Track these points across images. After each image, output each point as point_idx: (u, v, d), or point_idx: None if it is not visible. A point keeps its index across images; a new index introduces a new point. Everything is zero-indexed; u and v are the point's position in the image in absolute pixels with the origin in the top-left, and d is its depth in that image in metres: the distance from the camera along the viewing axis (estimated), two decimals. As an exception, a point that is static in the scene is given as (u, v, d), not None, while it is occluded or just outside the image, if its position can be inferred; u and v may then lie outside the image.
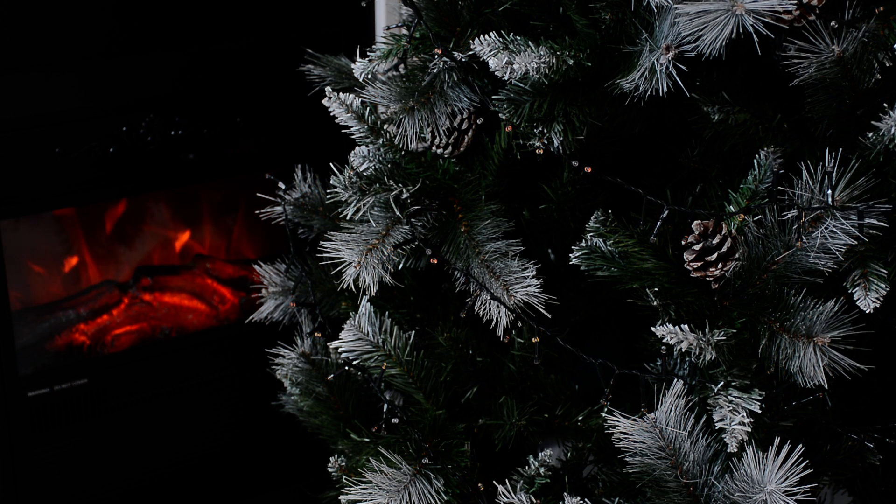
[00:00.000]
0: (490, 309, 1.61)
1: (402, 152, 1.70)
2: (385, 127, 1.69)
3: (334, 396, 1.89)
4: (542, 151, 1.58)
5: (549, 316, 1.60)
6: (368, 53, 1.68)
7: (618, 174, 1.59)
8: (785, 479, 1.47)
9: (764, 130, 1.59)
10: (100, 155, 2.12)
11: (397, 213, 1.64)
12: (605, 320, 1.86)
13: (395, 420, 1.73)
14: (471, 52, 1.58)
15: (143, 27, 2.11)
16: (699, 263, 1.54)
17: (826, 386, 1.53)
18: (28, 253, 2.24)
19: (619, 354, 1.80)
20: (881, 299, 1.51)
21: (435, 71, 1.64)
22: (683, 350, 1.51)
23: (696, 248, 1.53)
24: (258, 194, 2.02)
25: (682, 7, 1.40)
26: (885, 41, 1.54)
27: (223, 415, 2.40)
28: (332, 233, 1.65)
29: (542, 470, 1.69)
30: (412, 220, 1.65)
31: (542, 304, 1.59)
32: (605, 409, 1.58)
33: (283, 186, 1.96)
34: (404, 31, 1.67)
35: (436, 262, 1.64)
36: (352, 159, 1.68)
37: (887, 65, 1.55)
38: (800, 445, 1.48)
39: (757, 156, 1.57)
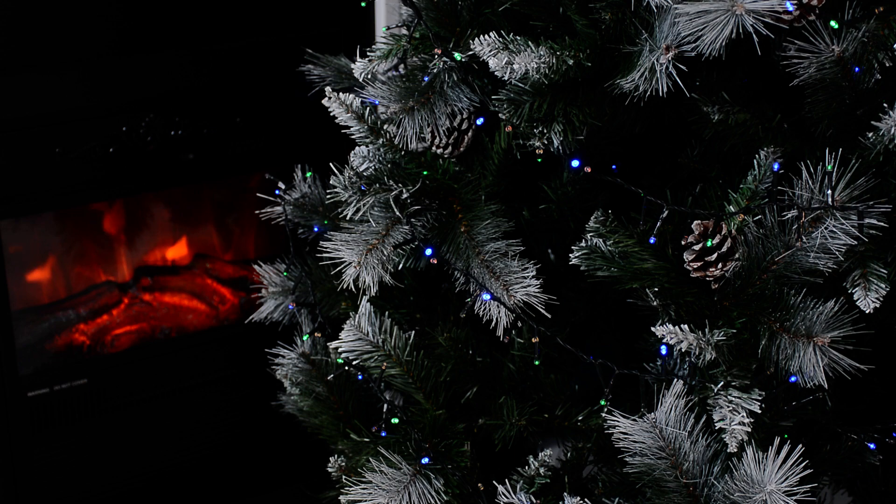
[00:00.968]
0: (490, 309, 1.61)
1: (402, 152, 1.70)
2: (385, 127, 1.69)
3: (334, 396, 1.89)
4: (542, 151, 1.58)
5: (549, 316, 1.60)
6: (368, 53, 1.68)
7: (618, 174, 1.59)
8: (785, 479, 1.47)
9: (764, 130, 1.59)
10: (100, 155, 2.12)
11: (397, 213, 1.64)
12: (604, 320, 1.86)
13: (394, 420, 1.73)
14: (471, 52, 1.58)
15: (143, 28, 2.11)
16: (699, 263, 1.54)
17: (826, 386, 1.53)
18: (28, 253, 2.24)
19: (619, 354, 1.80)
20: (881, 299, 1.51)
21: (435, 71, 1.64)
22: (683, 350, 1.51)
23: (696, 248, 1.53)
24: (258, 194, 2.02)
25: (682, 7, 1.40)
26: (885, 41, 1.54)
27: (223, 415, 2.40)
28: (332, 233, 1.65)
29: (541, 470, 1.69)
30: (412, 220, 1.65)
31: (542, 304, 1.59)
32: (605, 409, 1.58)
33: (283, 186, 1.96)
34: (404, 31, 1.67)
35: (436, 262, 1.64)
36: (352, 159, 1.68)
37: (887, 65, 1.55)
38: (800, 445, 1.48)
39: (757, 156, 1.57)
